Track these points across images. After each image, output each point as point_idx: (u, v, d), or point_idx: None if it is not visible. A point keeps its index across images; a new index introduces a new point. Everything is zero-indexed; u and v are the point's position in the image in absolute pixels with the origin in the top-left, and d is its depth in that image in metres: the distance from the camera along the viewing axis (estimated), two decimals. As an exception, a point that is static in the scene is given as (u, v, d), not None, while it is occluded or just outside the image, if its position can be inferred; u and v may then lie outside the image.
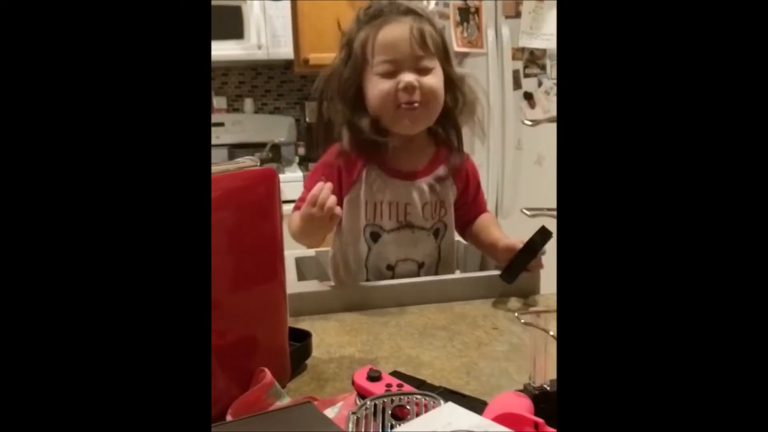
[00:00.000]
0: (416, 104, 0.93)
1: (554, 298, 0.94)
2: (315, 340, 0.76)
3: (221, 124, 2.61)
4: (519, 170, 2.32)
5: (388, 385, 0.59)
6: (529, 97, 2.30)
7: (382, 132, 0.97)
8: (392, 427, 0.52)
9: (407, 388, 0.59)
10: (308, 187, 0.93)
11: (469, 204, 1.08)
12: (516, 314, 0.74)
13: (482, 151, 2.20)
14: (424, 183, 1.01)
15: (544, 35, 2.23)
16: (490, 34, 2.23)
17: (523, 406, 0.52)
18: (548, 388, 0.56)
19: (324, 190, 0.85)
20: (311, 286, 0.97)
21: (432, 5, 2.17)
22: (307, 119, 2.56)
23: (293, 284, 0.97)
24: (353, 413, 0.53)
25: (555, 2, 2.09)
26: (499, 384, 0.67)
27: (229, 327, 0.59)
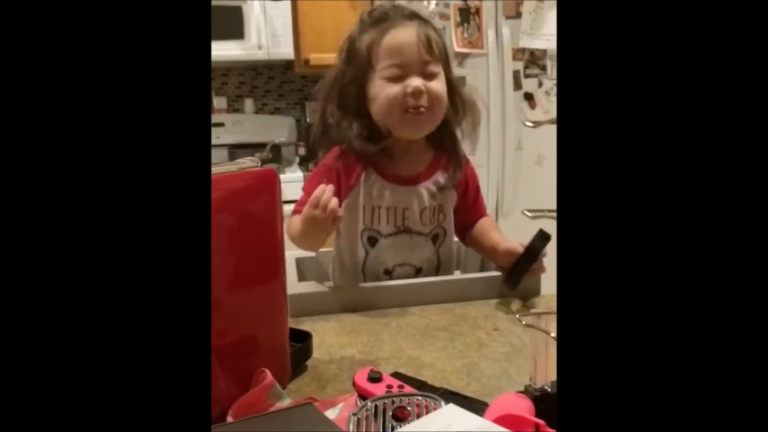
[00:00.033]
0: (422, 109, 0.94)
1: (555, 299, 0.94)
2: (315, 341, 0.76)
3: (221, 125, 2.61)
4: (519, 171, 2.32)
5: (389, 387, 0.59)
6: (529, 97, 2.30)
7: (380, 136, 0.97)
8: (393, 428, 0.52)
9: (408, 389, 0.59)
10: (307, 191, 0.93)
11: (468, 208, 1.08)
12: (517, 315, 0.74)
13: (482, 152, 2.20)
14: (422, 188, 1.01)
15: (545, 36, 2.23)
16: (491, 34, 2.23)
17: (524, 408, 0.52)
18: (549, 390, 0.56)
19: (326, 192, 0.85)
20: (312, 286, 0.96)
21: (432, 5, 2.17)
22: (308, 119, 2.56)
23: (294, 285, 0.97)
24: (354, 414, 0.53)
25: (555, 2, 2.09)
26: (500, 385, 0.66)
27: (229, 327, 0.59)
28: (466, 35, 2.21)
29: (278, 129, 2.67)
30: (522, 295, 0.95)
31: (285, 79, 2.78)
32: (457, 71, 1.01)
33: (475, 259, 1.14)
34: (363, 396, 0.60)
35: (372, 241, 1.01)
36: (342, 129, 0.97)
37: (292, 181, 2.17)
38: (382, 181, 1.00)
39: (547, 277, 0.94)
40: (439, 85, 0.95)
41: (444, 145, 1.03)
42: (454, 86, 0.99)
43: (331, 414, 0.57)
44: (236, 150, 2.57)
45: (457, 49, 2.19)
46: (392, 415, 0.54)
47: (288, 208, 0.91)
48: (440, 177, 1.02)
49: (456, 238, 1.09)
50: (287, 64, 2.59)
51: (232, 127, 2.63)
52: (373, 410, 0.54)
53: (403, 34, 0.93)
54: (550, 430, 0.49)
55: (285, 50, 2.38)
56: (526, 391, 0.57)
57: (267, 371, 0.60)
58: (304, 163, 2.61)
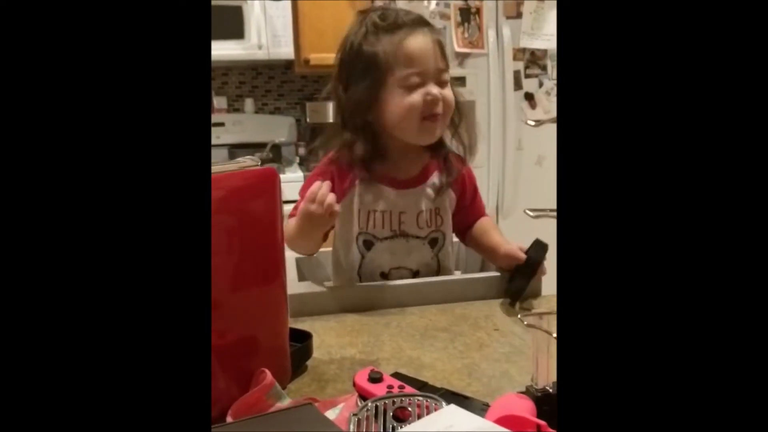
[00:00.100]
0: (438, 116, 0.94)
1: (556, 299, 0.93)
2: (316, 341, 0.75)
3: (221, 124, 2.61)
4: (519, 171, 2.32)
5: (390, 387, 0.59)
6: (530, 97, 2.30)
7: (380, 142, 0.97)
8: (394, 429, 0.52)
9: (409, 389, 0.59)
10: (303, 196, 0.93)
11: (467, 208, 1.08)
12: (519, 316, 0.74)
13: (483, 152, 2.20)
14: (419, 191, 1.01)
15: (545, 36, 2.23)
16: (491, 34, 2.23)
17: (526, 408, 0.52)
18: (551, 390, 0.56)
19: (323, 187, 0.86)
20: (312, 286, 0.96)
21: (433, 5, 2.17)
22: (308, 119, 2.56)
23: (294, 285, 0.97)
24: (354, 415, 0.53)
25: (555, 3, 2.09)
26: (501, 386, 0.66)
27: (229, 327, 0.59)
28: (466, 35, 2.21)
29: (278, 129, 2.66)
30: (523, 295, 0.95)
31: (285, 79, 2.78)
32: (457, 71, 1.02)
33: (476, 260, 1.14)
34: (363, 396, 0.60)
35: (368, 245, 1.01)
36: (345, 141, 0.96)
37: (292, 181, 2.16)
38: (378, 185, 1.00)
39: (547, 278, 0.94)
40: (450, 92, 0.96)
41: (438, 147, 1.03)
42: (454, 91, 1.00)
43: (331, 414, 0.57)
44: (236, 150, 2.56)
45: (458, 49, 2.19)
46: (393, 415, 0.54)
47: (288, 209, 0.91)
48: (436, 179, 1.02)
49: (456, 239, 1.09)
50: (287, 64, 2.59)
51: (232, 126, 2.63)
52: (374, 411, 0.54)
53: (421, 42, 0.93)
54: (552, 430, 0.49)
55: (285, 50, 2.38)
56: (528, 392, 0.57)
57: (267, 371, 0.60)
58: (304, 163, 2.61)
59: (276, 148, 2.47)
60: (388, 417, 0.53)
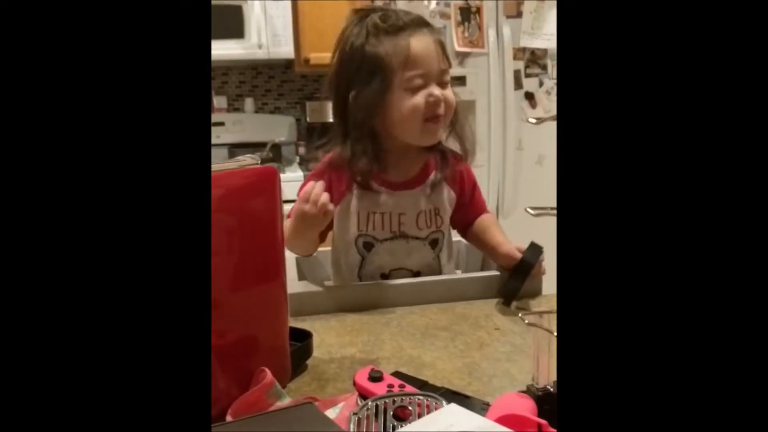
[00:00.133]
0: (440, 117, 0.95)
1: (556, 298, 0.93)
2: (316, 340, 0.75)
3: (221, 124, 2.61)
4: (520, 170, 2.32)
5: (390, 386, 0.59)
6: (530, 97, 2.30)
7: (379, 145, 0.97)
8: (394, 428, 0.52)
9: (409, 388, 0.59)
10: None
11: (466, 205, 1.07)
12: (520, 315, 0.74)
13: (483, 152, 2.20)
14: (417, 192, 1.01)
15: (545, 35, 2.23)
16: (491, 33, 2.23)
17: (526, 408, 0.52)
18: (551, 389, 0.56)
19: (317, 187, 0.86)
20: (312, 285, 0.96)
21: (433, 5, 2.17)
22: (308, 119, 2.56)
23: (294, 284, 0.97)
24: (354, 414, 0.53)
25: (556, 2, 2.09)
26: (502, 385, 0.66)
27: (229, 327, 0.59)
28: (466, 34, 2.21)
29: (278, 128, 2.66)
30: (524, 295, 0.95)
31: (285, 78, 2.78)
32: (458, 70, 1.02)
33: (476, 258, 1.14)
34: (364, 395, 0.60)
35: (368, 246, 1.01)
36: (353, 138, 0.95)
37: (292, 181, 2.16)
38: (376, 186, 0.99)
39: (548, 277, 0.94)
40: (451, 93, 0.96)
41: (436, 147, 1.03)
42: (453, 91, 1.00)
43: (331, 413, 0.57)
44: (236, 149, 2.56)
45: (458, 49, 2.19)
46: (393, 414, 0.54)
47: (288, 208, 0.91)
48: (434, 178, 1.02)
49: (457, 237, 1.09)
50: (287, 64, 2.59)
51: (232, 126, 2.63)
52: (374, 410, 0.54)
53: (424, 44, 0.93)
54: (553, 430, 0.49)
55: (285, 50, 2.38)
56: (529, 391, 0.57)
57: (267, 370, 0.60)
58: (304, 162, 2.61)
59: (276, 147, 2.47)
60: (389, 416, 0.53)
